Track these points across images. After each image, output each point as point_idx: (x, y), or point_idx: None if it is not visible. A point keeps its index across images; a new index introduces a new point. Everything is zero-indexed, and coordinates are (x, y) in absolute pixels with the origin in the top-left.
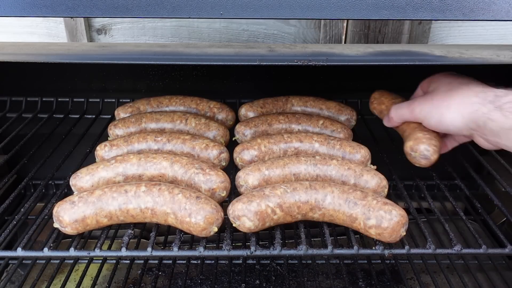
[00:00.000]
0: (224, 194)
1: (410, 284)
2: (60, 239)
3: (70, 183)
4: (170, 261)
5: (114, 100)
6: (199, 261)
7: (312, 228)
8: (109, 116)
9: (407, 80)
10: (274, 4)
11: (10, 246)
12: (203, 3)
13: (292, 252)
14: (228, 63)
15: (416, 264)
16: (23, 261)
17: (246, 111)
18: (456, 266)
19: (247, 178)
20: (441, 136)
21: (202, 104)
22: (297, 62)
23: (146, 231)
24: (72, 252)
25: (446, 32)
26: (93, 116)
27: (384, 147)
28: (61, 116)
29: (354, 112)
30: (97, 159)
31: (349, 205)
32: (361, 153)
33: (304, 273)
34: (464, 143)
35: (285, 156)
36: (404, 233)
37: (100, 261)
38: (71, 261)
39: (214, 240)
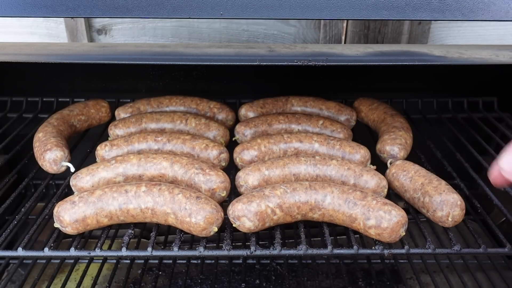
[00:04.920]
0: (224, 194)
1: (409, 283)
2: (61, 239)
3: (71, 183)
4: (170, 261)
5: (114, 100)
6: (199, 261)
7: (312, 228)
8: None
9: (407, 80)
10: (274, 4)
11: (10, 246)
12: (203, 3)
13: (292, 252)
14: (228, 63)
15: (416, 264)
16: (24, 261)
17: (246, 111)
18: (456, 265)
19: (247, 178)
20: None
21: (202, 104)
22: (297, 62)
23: (146, 231)
24: (73, 252)
25: (446, 32)
26: None
27: None
28: None
29: (354, 112)
30: (97, 159)
31: (348, 205)
32: (361, 153)
33: (304, 272)
34: (463, 143)
35: (285, 156)
36: (404, 233)
37: (101, 261)
38: (72, 261)
39: (214, 240)
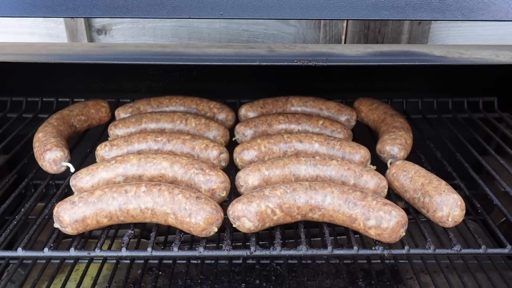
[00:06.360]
0: (224, 194)
1: (409, 284)
2: (61, 239)
3: (70, 183)
4: (170, 261)
5: (114, 100)
6: (199, 261)
7: (312, 228)
8: None
9: (407, 80)
10: (274, 4)
11: (10, 246)
12: (203, 3)
13: (292, 252)
14: (228, 63)
15: (416, 264)
16: (24, 261)
17: (246, 111)
18: (456, 266)
19: (247, 179)
20: None
21: (202, 104)
22: (297, 62)
23: (146, 231)
24: (73, 252)
25: (446, 32)
26: None
27: None
28: None
29: (354, 112)
30: (97, 159)
31: (348, 206)
32: (361, 153)
33: (304, 273)
34: (463, 143)
35: (285, 157)
36: (404, 234)
37: (100, 261)
38: (72, 261)
39: (214, 240)
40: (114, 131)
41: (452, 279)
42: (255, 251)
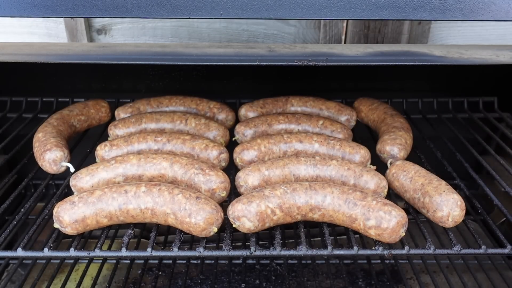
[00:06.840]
0: (224, 194)
1: (409, 284)
2: (60, 239)
3: (70, 183)
4: (170, 261)
5: (114, 100)
6: (199, 261)
7: (312, 228)
8: None
9: (407, 80)
10: (274, 4)
11: (10, 246)
12: (203, 3)
13: (291, 252)
14: (228, 63)
15: (416, 264)
16: (24, 261)
17: (246, 111)
18: (456, 266)
19: (247, 179)
20: None
21: (202, 104)
22: (297, 62)
23: (146, 231)
24: (72, 252)
25: (446, 32)
26: None
27: None
28: None
29: (354, 112)
30: (97, 159)
31: (348, 206)
32: (361, 153)
33: (304, 273)
34: (463, 143)
35: (285, 157)
36: (404, 234)
37: (100, 261)
38: (72, 261)
39: (214, 240)
40: (114, 131)
41: (452, 279)
42: (255, 251)
